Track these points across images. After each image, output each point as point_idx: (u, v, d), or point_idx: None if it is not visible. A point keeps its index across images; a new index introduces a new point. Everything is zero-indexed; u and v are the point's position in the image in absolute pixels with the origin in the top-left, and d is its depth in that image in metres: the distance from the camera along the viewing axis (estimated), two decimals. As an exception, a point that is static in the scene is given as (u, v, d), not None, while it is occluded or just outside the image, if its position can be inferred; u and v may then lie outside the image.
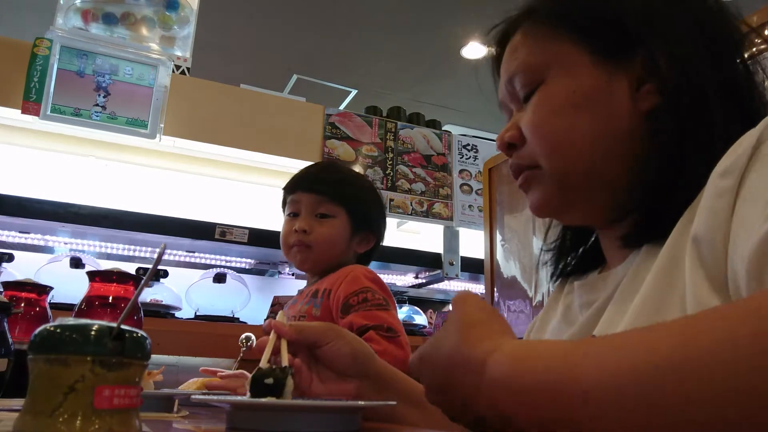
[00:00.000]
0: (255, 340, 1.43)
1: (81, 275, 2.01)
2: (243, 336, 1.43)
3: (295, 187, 1.29)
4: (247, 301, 2.36)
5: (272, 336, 0.66)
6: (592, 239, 0.69)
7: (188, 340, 1.93)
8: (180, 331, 1.95)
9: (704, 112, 0.52)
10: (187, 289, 2.31)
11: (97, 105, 2.20)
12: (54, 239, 2.30)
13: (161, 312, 2.07)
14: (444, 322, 0.51)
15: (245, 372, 1.38)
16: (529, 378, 0.37)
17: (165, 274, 2.23)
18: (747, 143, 0.43)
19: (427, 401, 0.50)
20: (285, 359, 0.64)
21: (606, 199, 0.58)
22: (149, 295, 2.11)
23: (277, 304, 2.08)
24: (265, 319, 2.13)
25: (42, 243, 2.31)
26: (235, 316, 2.27)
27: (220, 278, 2.32)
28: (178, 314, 2.16)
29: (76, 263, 2.11)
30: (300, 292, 1.36)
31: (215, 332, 2.01)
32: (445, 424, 0.75)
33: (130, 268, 2.18)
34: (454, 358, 0.45)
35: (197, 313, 2.24)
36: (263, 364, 0.62)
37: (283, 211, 1.34)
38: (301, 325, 0.69)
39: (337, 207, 1.26)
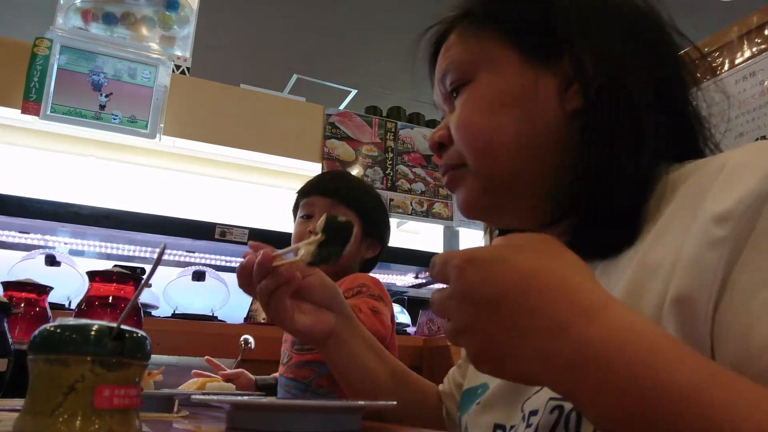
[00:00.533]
0: (253, 342, 1.45)
1: (56, 272, 2.02)
2: (242, 338, 1.45)
3: (310, 190, 1.31)
4: (226, 299, 2.31)
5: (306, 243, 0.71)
6: None
7: (189, 340, 1.93)
8: (180, 331, 1.95)
9: (631, 114, 0.51)
10: (164, 288, 2.27)
11: (97, 105, 2.20)
12: (54, 239, 2.30)
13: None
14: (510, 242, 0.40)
15: (245, 371, 1.39)
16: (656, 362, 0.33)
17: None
18: (749, 188, 0.39)
19: (452, 320, 0.39)
20: (305, 250, 0.68)
21: (534, 201, 0.57)
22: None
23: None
24: (245, 319, 2.12)
25: (42, 243, 2.30)
26: (214, 314, 2.22)
27: (199, 276, 2.27)
28: (155, 313, 2.14)
29: (51, 260, 2.10)
30: None
31: (215, 332, 2.01)
32: (416, 399, 0.79)
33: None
34: (557, 282, 0.36)
35: (175, 312, 2.21)
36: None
37: (295, 215, 1.36)
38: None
39: (350, 211, 1.28)
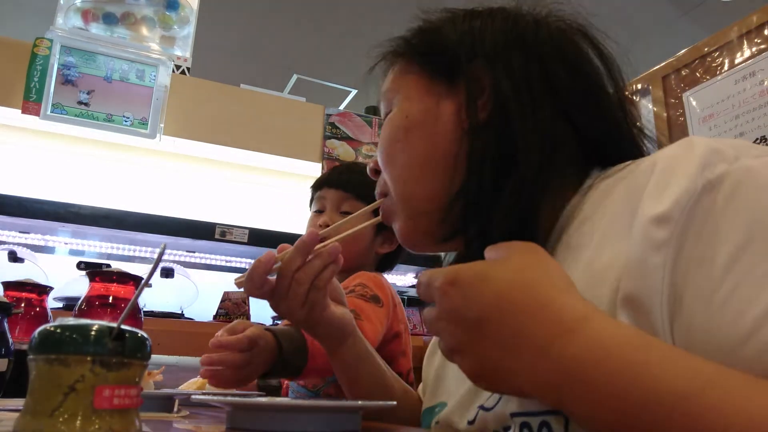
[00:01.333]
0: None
1: (19, 269, 2.01)
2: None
3: (322, 183, 1.28)
4: (195, 297, 2.30)
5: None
6: None
7: (189, 340, 1.93)
8: (180, 331, 1.95)
9: (515, 136, 0.52)
10: None
11: (97, 105, 2.20)
12: (54, 239, 2.30)
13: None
14: (491, 261, 0.42)
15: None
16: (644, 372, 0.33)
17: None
18: (683, 187, 0.39)
19: (442, 339, 0.41)
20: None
21: (454, 222, 0.56)
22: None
23: (227, 300, 2.06)
24: (214, 316, 2.11)
25: (42, 243, 2.31)
26: (183, 312, 2.18)
27: (167, 273, 2.25)
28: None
29: (14, 257, 2.09)
30: None
31: (216, 332, 2.01)
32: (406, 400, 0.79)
33: (131, 268, 2.18)
34: (534, 300, 0.37)
35: (144, 310, 2.19)
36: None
37: (311, 209, 1.33)
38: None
39: (361, 205, 1.22)
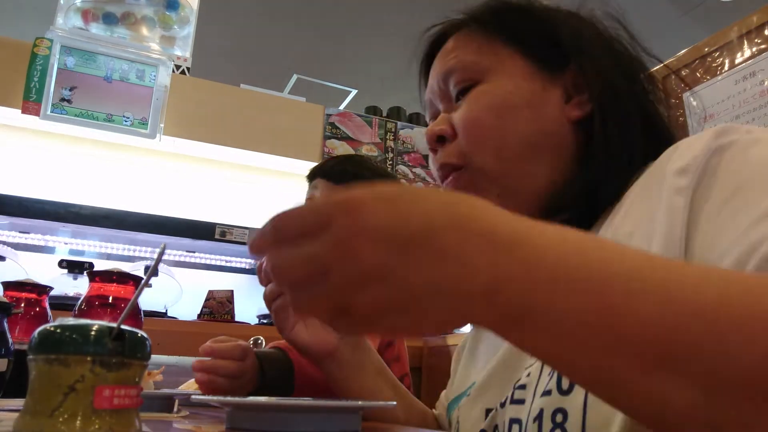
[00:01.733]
0: (264, 341, 1.43)
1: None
2: (252, 338, 1.46)
3: (315, 173, 1.26)
4: (179, 296, 2.28)
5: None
6: None
7: (189, 340, 1.93)
8: (180, 331, 1.95)
9: (624, 125, 0.57)
10: None
11: (97, 105, 2.20)
12: (54, 239, 2.30)
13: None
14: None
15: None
16: (597, 268, 0.30)
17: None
18: (700, 147, 0.45)
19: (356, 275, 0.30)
20: None
21: (533, 201, 0.59)
22: (72, 289, 2.03)
23: (212, 298, 2.05)
24: (199, 315, 2.10)
25: (42, 243, 2.31)
26: (167, 311, 2.17)
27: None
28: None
29: None
30: None
31: (216, 332, 2.01)
32: (419, 420, 0.78)
33: (131, 268, 2.18)
34: (486, 209, 0.31)
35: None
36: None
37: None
38: None
39: None
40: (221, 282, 2.46)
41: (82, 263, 2.07)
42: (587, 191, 0.56)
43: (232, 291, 2.08)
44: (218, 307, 2.02)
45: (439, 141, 0.62)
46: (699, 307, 0.28)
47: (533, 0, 0.64)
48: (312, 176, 1.27)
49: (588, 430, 0.43)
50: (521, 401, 0.51)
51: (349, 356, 0.76)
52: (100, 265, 2.20)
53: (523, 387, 0.52)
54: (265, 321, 2.13)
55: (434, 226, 0.30)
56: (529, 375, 0.52)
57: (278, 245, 0.32)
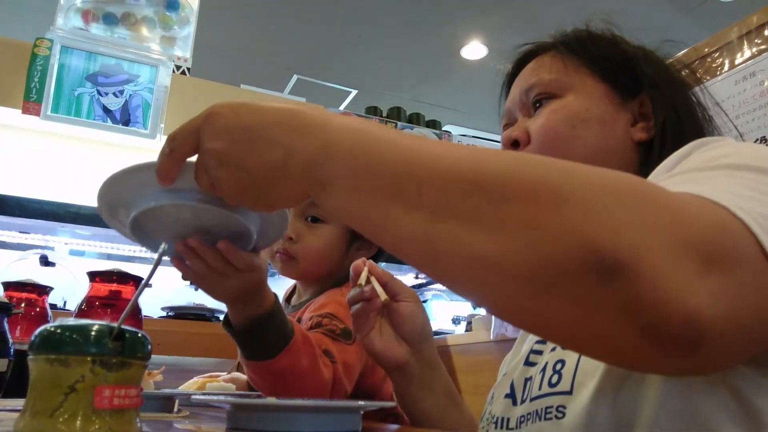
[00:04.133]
0: None
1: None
2: None
3: None
4: (75, 287, 2.11)
5: (365, 272, 0.75)
6: None
7: (188, 340, 1.93)
8: (180, 332, 1.95)
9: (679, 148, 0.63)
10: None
11: (97, 105, 2.21)
12: (54, 239, 2.30)
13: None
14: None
15: (239, 374, 1.37)
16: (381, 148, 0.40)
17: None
18: (677, 156, 0.52)
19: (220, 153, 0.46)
20: (378, 288, 0.74)
21: None
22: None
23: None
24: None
25: (42, 243, 2.31)
26: (66, 303, 2.06)
27: (46, 262, 2.16)
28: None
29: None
30: (289, 302, 1.21)
31: (216, 332, 2.01)
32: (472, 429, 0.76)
33: (131, 268, 2.18)
34: (303, 106, 0.45)
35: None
36: (358, 285, 0.74)
37: None
38: (390, 275, 0.77)
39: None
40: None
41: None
42: None
43: None
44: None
45: (513, 145, 0.68)
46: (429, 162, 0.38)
47: (617, 34, 0.72)
48: None
49: (578, 373, 0.51)
50: (534, 364, 0.59)
51: (418, 372, 0.77)
52: (99, 265, 2.20)
53: (538, 352, 0.60)
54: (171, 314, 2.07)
55: (264, 122, 0.44)
56: (545, 342, 0.60)
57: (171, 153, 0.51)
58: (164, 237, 0.65)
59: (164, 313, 2.08)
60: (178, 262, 0.70)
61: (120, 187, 0.64)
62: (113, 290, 0.88)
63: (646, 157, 0.65)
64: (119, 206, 0.66)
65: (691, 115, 0.68)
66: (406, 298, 0.77)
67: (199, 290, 0.77)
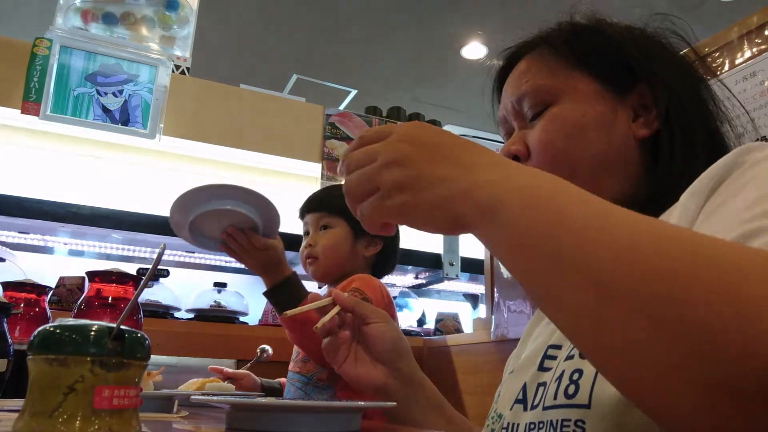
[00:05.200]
0: (271, 351, 1.49)
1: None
2: (260, 347, 1.51)
3: (303, 211, 1.45)
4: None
5: (328, 300, 0.75)
6: None
7: (188, 340, 1.93)
8: (180, 332, 1.95)
9: (689, 142, 0.60)
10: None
11: (96, 105, 2.20)
12: (54, 239, 2.30)
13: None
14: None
15: (251, 374, 1.40)
16: (546, 186, 0.41)
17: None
18: (714, 173, 0.48)
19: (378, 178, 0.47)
20: (329, 316, 0.73)
21: None
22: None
23: (62, 285, 1.97)
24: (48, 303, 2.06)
25: (42, 243, 2.31)
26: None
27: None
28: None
29: None
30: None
31: (216, 332, 2.01)
32: None
33: (130, 268, 2.18)
34: (480, 146, 0.46)
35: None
36: (320, 324, 0.73)
37: None
38: (357, 299, 0.77)
39: (336, 218, 1.38)
40: (221, 282, 2.47)
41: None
42: (649, 203, 0.57)
43: (83, 278, 1.97)
44: (67, 295, 1.94)
45: (514, 159, 0.65)
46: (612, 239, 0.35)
47: (602, 19, 0.67)
48: (302, 215, 1.44)
49: (596, 386, 0.49)
50: (548, 369, 0.57)
51: (400, 390, 0.76)
52: (99, 265, 2.20)
53: (552, 357, 0.58)
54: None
55: (450, 142, 0.46)
56: (560, 348, 0.58)
57: (356, 148, 0.50)
58: (212, 232, 1.20)
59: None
60: (224, 246, 1.22)
61: (185, 199, 1.17)
62: (113, 290, 0.88)
63: (655, 155, 0.62)
64: (184, 213, 1.13)
65: (698, 100, 0.63)
66: (375, 319, 0.76)
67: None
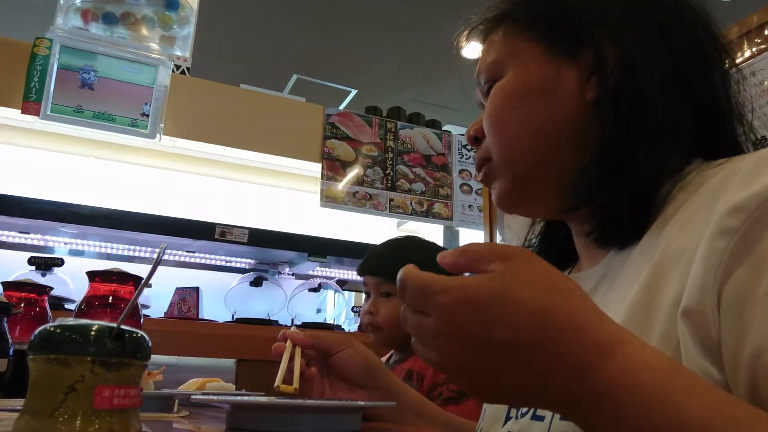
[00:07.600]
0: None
1: None
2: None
3: (362, 271, 1.37)
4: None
5: (288, 344, 0.73)
6: (563, 235, 0.67)
7: (188, 340, 1.93)
8: (180, 332, 1.95)
9: (648, 106, 0.52)
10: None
11: (97, 105, 2.20)
12: (54, 239, 2.30)
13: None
14: (505, 274, 0.36)
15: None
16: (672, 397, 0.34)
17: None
18: (762, 186, 0.39)
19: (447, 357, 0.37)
20: (298, 366, 0.71)
21: (557, 189, 0.58)
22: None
23: None
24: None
25: (42, 243, 2.31)
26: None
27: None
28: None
29: None
30: (388, 362, 1.40)
31: (215, 333, 2.01)
32: None
33: (131, 268, 2.18)
34: (572, 324, 0.35)
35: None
36: (281, 371, 0.70)
37: None
38: (315, 333, 0.75)
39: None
40: (221, 282, 2.47)
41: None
42: (608, 181, 0.52)
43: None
44: None
45: (476, 142, 0.63)
46: None
47: None
48: (360, 273, 1.36)
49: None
50: (541, 418, 0.51)
51: (384, 412, 0.75)
52: (99, 265, 2.20)
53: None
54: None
55: (519, 341, 0.35)
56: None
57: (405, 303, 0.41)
58: None
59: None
60: None
61: None
62: (113, 290, 0.88)
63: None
64: None
65: (658, 58, 0.54)
66: (338, 348, 0.75)
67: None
